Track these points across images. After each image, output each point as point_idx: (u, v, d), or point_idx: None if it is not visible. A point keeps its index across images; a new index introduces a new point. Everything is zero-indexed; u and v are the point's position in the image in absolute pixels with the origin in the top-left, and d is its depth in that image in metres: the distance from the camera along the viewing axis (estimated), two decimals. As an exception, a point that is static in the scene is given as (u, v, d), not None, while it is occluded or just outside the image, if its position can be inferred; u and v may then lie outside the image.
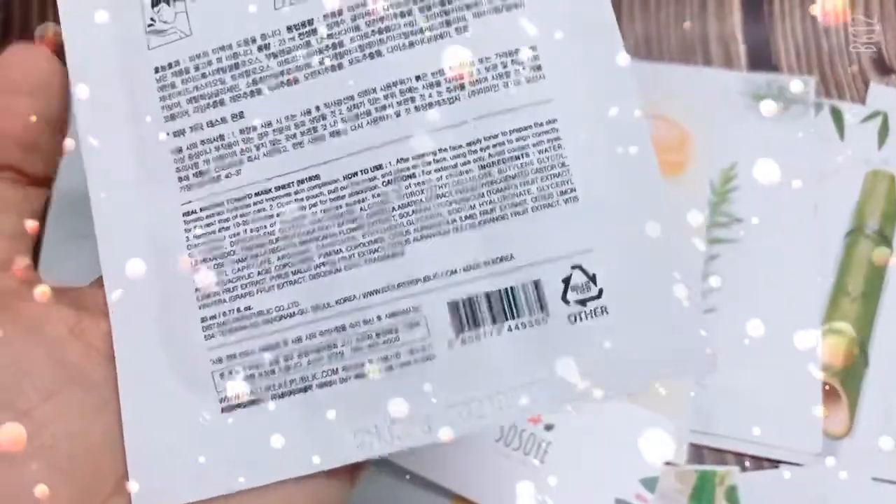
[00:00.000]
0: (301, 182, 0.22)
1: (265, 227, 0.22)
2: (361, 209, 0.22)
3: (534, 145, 0.22)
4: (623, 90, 0.22)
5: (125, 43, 0.23)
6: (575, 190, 0.21)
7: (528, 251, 0.21)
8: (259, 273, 0.22)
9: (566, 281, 0.21)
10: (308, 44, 0.22)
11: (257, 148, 0.22)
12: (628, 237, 0.21)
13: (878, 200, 0.38)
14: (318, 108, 0.22)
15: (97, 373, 0.22)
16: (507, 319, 0.21)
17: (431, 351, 0.21)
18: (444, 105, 0.22)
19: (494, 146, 0.22)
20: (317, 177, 0.22)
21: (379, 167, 0.22)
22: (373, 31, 0.22)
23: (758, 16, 0.40)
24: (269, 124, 0.22)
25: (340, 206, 0.22)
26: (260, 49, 0.22)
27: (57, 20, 0.23)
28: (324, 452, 0.21)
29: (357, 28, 0.22)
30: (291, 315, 0.22)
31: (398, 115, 0.22)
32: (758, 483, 0.35)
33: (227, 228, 0.22)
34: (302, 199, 0.22)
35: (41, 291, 0.22)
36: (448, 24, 0.22)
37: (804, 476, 0.35)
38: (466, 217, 0.22)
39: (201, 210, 0.22)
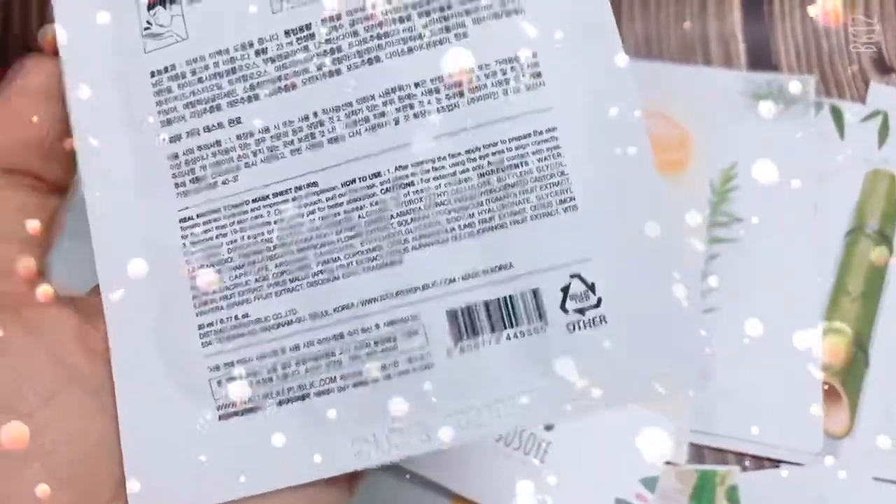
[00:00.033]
0: (299, 189, 0.22)
1: (262, 234, 0.22)
2: (360, 217, 0.22)
3: (533, 154, 0.21)
4: (623, 91, 0.21)
5: (121, 46, 0.23)
6: (574, 199, 0.21)
7: (527, 260, 0.21)
8: (256, 280, 0.22)
9: (565, 290, 0.21)
10: (306, 48, 0.22)
11: (255, 154, 0.22)
12: (628, 238, 0.21)
13: (879, 200, 0.38)
14: (316, 114, 0.22)
15: (98, 375, 0.22)
16: (505, 328, 0.21)
17: (430, 359, 0.21)
18: (443, 112, 0.21)
19: (493, 154, 0.21)
20: (315, 184, 0.22)
21: (377, 174, 0.22)
22: (371, 36, 0.22)
23: (758, 15, 0.40)
24: (267, 130, 0.22)
25: (338, 214, 0.22)
26: (257, 53, 0.22)
27: (57, 21, 0.23)
28: (322, 461, 0.21)
29: (356, 33, 0.22)
30: (289, 323, 0.22)
31: (397, 121, 0.22)
32: (758, 483, 0.35)
33: (225, 235, 0.22)
34: (300, 207, 0.22)
35: (44, 291, 0.22)
36: (447, 29, 0.22)
37: (804, 476, 0.35)
38: (465, 225, 0.21)
39: (198, 216, 0.22)
